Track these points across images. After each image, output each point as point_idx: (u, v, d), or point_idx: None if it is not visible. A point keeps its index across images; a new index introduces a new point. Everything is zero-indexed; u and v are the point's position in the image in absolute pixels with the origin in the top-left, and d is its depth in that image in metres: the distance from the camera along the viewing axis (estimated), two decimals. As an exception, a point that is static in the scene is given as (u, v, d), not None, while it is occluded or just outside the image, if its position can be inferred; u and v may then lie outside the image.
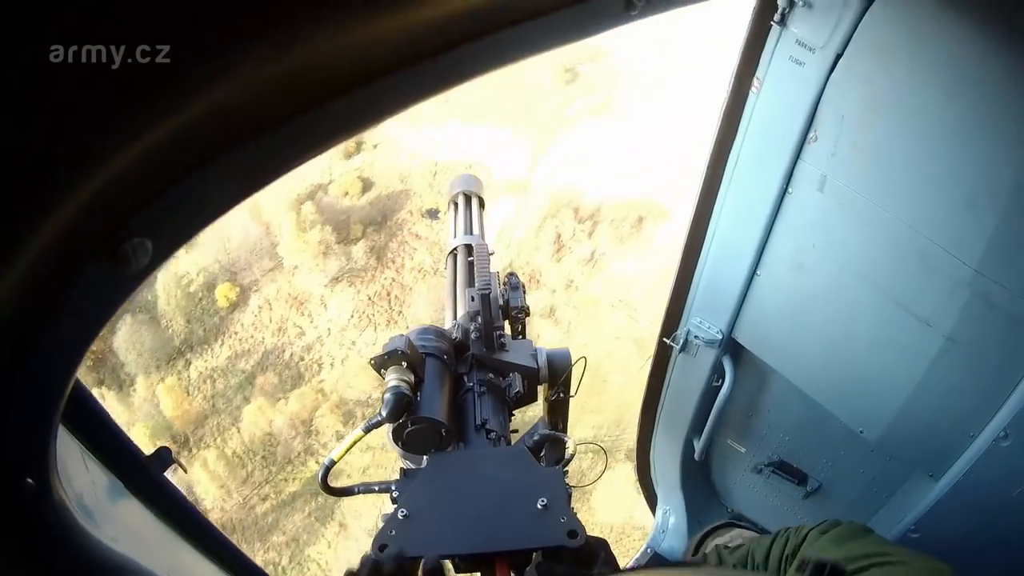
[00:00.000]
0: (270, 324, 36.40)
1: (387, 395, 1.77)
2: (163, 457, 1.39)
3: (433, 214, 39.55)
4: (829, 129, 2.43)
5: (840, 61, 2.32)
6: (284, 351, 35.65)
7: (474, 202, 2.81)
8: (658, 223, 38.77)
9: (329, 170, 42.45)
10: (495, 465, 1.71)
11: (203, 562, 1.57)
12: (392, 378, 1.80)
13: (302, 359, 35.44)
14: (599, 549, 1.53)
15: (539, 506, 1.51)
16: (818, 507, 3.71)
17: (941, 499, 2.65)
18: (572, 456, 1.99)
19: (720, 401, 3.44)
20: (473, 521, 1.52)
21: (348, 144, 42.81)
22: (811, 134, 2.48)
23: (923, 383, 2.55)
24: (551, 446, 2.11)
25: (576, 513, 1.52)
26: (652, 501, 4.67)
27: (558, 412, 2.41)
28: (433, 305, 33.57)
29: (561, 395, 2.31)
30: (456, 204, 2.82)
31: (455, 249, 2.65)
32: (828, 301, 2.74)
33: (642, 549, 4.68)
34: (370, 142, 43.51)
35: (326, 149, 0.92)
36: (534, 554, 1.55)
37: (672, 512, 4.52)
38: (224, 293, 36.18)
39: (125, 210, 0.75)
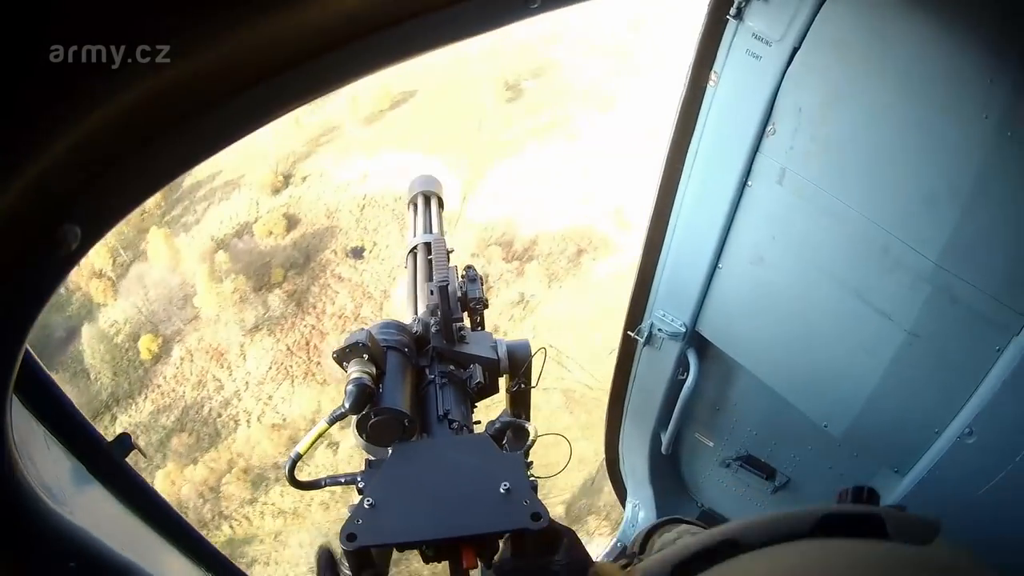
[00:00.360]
0: (191, 377, 35.63)
1: (349, 387, 1.78)
2: (124, 443, 1.41)
3: (358, 253, 38.96)
4: (787, 122, 2.44)
5: (797, 55, 2.33)
6: (203, 406, 34.85)
7: (433, 202, 2.82)
8: (598, 256, 38.11)
9: (256, 207, 41.17)
10: (458, 452, 1.73)
11: (164, 546, 1.59)
12: (354, 370, 1.81)
13: (219, 415, 34.62)
14: (563, 534, 1.53)
15: (502, 490, 1.52)
16: (786, 502, 3.72)
17: (907, 495, 2.64)
18: (534, 441, 2.00)
19: (685, 394, 3.44)
20: (438, 508, 1.53)
21: (276, 178, 41.60)
22: (769, 127, 2.49)
23: (886, 377, 2.55)
24: (514, 433, 2.13)
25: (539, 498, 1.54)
26: (622, 495, 4.67)
27: (520, 403, 2.42)
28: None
29: (522, 386, 2.33)
30: (416, 205, 2.83)
31: (415, 248, 2.67)
32: (789, 294, 2.75)
33: (611, 543, 4.70)
34: (299, 175, 42.67)
35: (239, 137, 0.97)
36: (501, 544, 1.57)
37: (641, 506, 4.52)
38: (147, 345, 35.68)
39: (55, 199, 0.79)
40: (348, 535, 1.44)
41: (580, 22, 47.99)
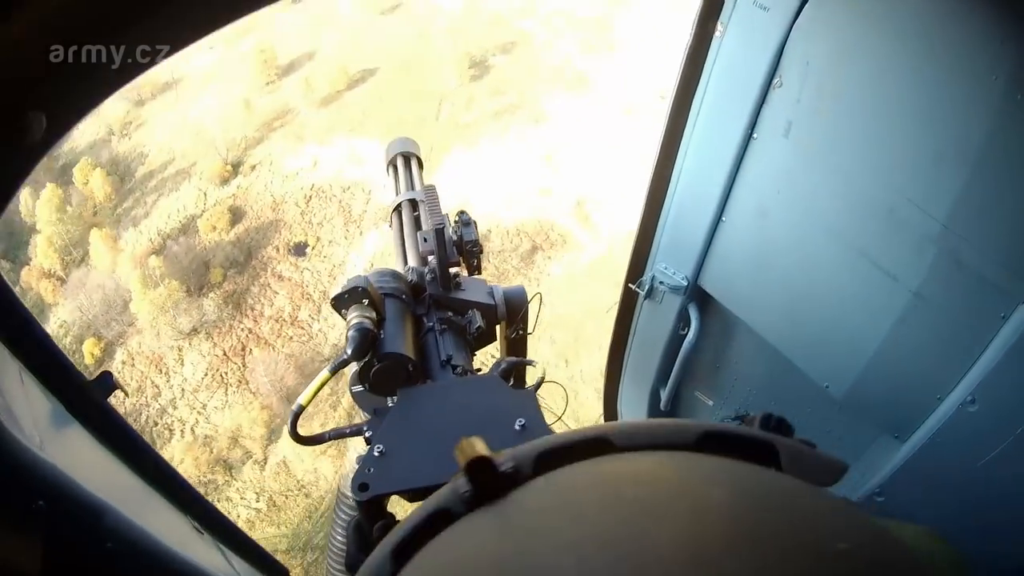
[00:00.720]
0: (131, 382, 35.10)
1: (351, 332, 1.74)
2: (105, 382, 1.39)
3: (300, 250, 37.81)
4: (794, 75, 2.41)
5: (805, 7, 2.29)
6: (141, 414, 34.33)
7: (413, 162, 2.81)
8: (554, 254, 36.98)
9: (204, 198, 39.42)
10: (467, 393, 1.70)
11: (144, 488, 1.55)
12: (355, 315, 1.78)
13: (156, 424, 34.05)
14: None
15: (517, 427, 1.49)
16: None
17: (906, 462, 2.61)
18: (543, 379, 1.98)
19: (685, 350, 3.40)
20: (451, 450, 1.35)
21: (224, 168, 40.11)
22: (776, 80, 2.45)
23: (889, 339, 2.52)
24: (518, 376, 2.13)
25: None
26: None
27: (517, 351, 2.43)
28: (270, 379, 32.37)
29: (520, 332, 2.33)
30: (395, 166, 2.82)
31: (399, 206, 2.64)
32: (792, 249, 2.71)
33: None
34: (249, 163, 41.11)
35: (210, 29, 0.93)
36: None
37: None
38: (90, 349, 35.38)
39: (19, 86, 0.76)
40: (360, 485, 1.41)
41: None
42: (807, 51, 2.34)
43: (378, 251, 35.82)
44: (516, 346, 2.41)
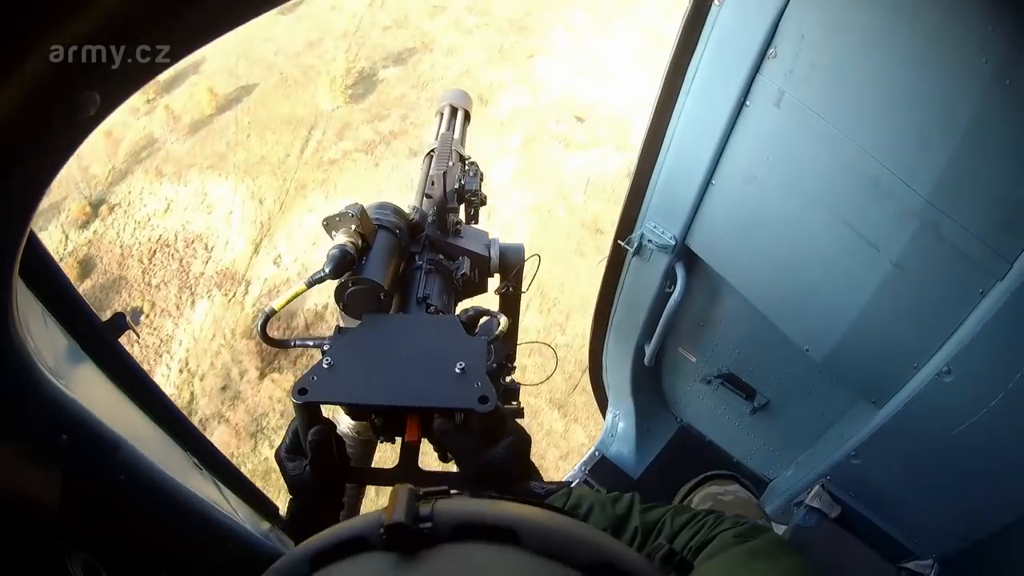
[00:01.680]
0: None
1: (331, 251, 1.83)
2: (118, 323, 1.46)
3: (136, 318, 31.83)
4: (789, 47, 2.45)
5: None
6: None
7: (460, 114, 2.86)
8: None
9: (65, 243, 33.98)
10: (424, 329, 1.77)
11: (153, 427, 1.62)
12: (339, 237, 1.87)
13: None
14: (509, 432, 1.56)
15: (457, 370, 1.55)
16: (764, 424, 3.83)
17: (883, 427, 2.69)
18: (502, 332, 2.01)
19: (671, 307, 3.45)
20: (391, 377, 1.57)
21: (84, 208, 34.69)
22: (771, 50, 2.49)
23: (869, 307, 2.58)
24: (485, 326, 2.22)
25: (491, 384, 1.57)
26: (603, 404, 4.72)
27: (508, 308, 2.47)
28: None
29: (511, 289, 2.37)
30: (443, 113, 2.86)
31: (431, 151, 2.67)
32: (779, 215, 2.76)
33: (590, 452, 4.75)
34: (111, 202, 35.39)
35: (254, 14, 0.98)
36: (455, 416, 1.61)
37: (621, 417, 4.57)
38: None
39: (79, 68, 0.82)
40: (300, 389, 1.49)
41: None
42: (802, 24, 2.38)
43: (207, 325, 31.68)
44: (507, 302, 2.45)
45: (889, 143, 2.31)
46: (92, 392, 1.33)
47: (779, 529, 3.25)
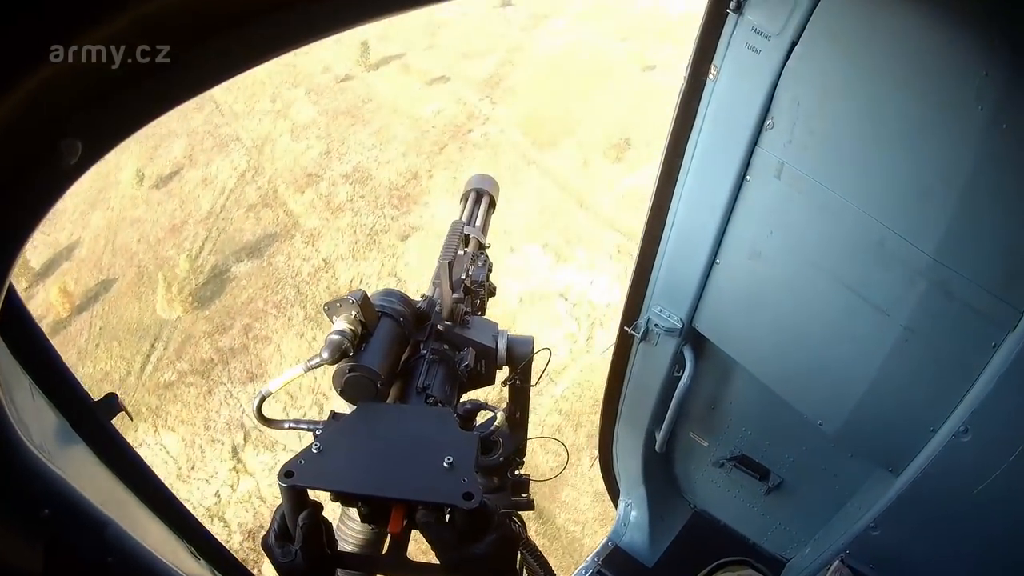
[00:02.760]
0: None
1: (329, 337, 1.85)
2: (111, 403, 1.41)
3: None
4: (785, 116, 2.46)
5: (795, 48, 2.35)
6: None
7: (484, 200, 2.85)
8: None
9: None
10: (416, 421, 1.77)
11: (148, 514, 1.56)
12: (339, 323, 1.87)
13: None
14: (493, 529, 1.55)
15: (445, 464, 1.54)
16: (780, 503, 3.75)
17: (901, 495, 2.61)
18: (497, 427, 2.07)
19: (680, 391, 3.41)
20: (379, 467, 1.58)
21: None
22: (768, 121, 2.50)
23: (881, 374, 2.53)
24: (510, 427, 2.22)
25: (478, 480, 1.58)
26: (614, 494, 4.61)
27: (516, 401, 2.44)
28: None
29: (518, 382, 2.35)
30: (467, 198, 2.86)
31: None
32: (785, 289, 2.74)
33: (603, 542, 4.62)
34: None
35: (250, 65, 0.98)
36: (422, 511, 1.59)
37: (634, 506, 4.46)
38: None
39: (59, 113, 0.81)
40: (286, 472, 1.48)
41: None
42: (797, 91, 2.39)
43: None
44: (517, 396, 2.42)
45: (891, 203, 2.31)
46: (80, 471, 1.28)
47: (800, 610, 3.14)
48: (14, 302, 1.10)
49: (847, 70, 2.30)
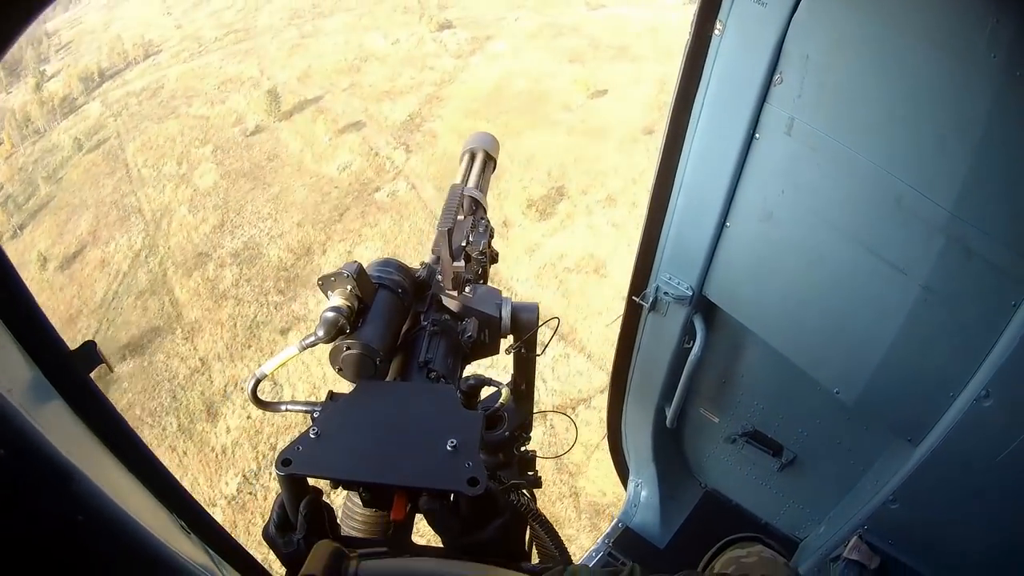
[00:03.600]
0: None
1: (324, 314, 1.78)
2: (89, 353, 1.34)
3: None
4: (794, 71, 2.39)
5: (802, 1, 2.29)
6: None
7: (479, 156, 2.70)
8: None
9: None
10: (419, 401, 1.70)
11: (128, 476, 1.45)
12: (334, 298, 1.80)
13: None
14: (501, 512, 1.52)
15: (448, 447, 1.49)
16: (794, 481, 3.70)
17: (921, 465, 2.55)
18: (502, 404, 2.02)
19: (691, 363, 3.32)
20: (380, 451, 1.51)
21: None
22: (776, 76, 2.44)
23: (900, 337, 2.46)
24: (516, 399, 2.15)
25: (483, 463, 1.51)
26: (624, 474, 4.52)
27: (521, 371, 2.38)
28: None
29: (523, 350, 2.28)
30: (464, 158, 2.73)
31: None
32: (799, 251, 2.67)
33: (612, 524, 4.53)
34: None
35: None
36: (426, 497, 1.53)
37: (644, 485, 4.38)
38: None
39: None
40: (284, 460, 1.43)
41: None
42: (806, 45, 2.33)
43: None
44: (521, 365, 2.36)
45: (907, 156, 2.24)
46: (50, 421, 1.15)
47: (815, 589, 3.08)
48: None
49: (856, 21, 2.24)
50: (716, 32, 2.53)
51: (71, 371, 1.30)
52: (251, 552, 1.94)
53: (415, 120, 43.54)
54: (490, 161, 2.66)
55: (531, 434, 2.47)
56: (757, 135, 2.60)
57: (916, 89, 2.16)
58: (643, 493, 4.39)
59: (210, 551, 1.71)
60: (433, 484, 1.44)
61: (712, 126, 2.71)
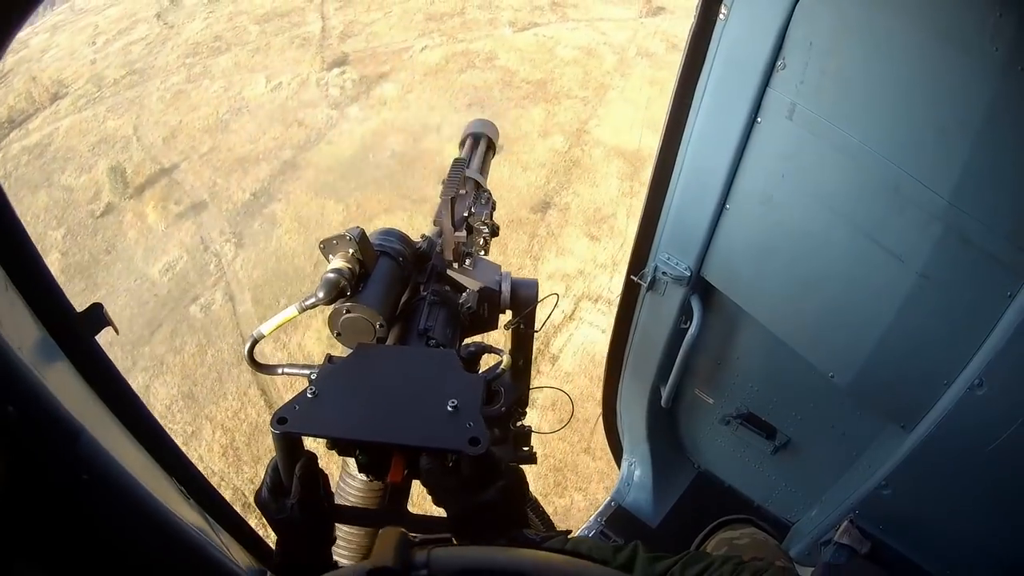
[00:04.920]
0: None
1: (325, 276, 1.78)
2: (95, 316, 1.35)
3: None
4: (797, 56, 2.40)
5: None
6: None
7: (483, 143, 2.74)
8: None
9: None
10: (418, 363, 1.69)
11: (130, 439, 1.46)
12: (335, 261, 1.81)
13: None
14: (503, 475, 1.49)
15: (449, 408, 1.47)
16: (787, 464, 3.73)
17: (913, 452, 2.56)
18: (504, 371, 1.98)
19: (687, 343, 3.35)
20: (378, 412, 1.49)
21: None
22: (779, 62, 2.45)
23: (896, 323, 2.48)
24: (513, 376, 2.15)
25: (484, 423, 1.49)
26: (617, 453, 4.55)
27: (519, 347, 2.39)
28: None
29: (522, 326, 2.30)
30: (466, 142, 2.76)
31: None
32: (797, 234, 2.69)
33: (605, 502, 4.56)
34: None
35: None
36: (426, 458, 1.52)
37: (638, 465, 4.41)
38: None
39: None
40: (279, 418, 1.41)
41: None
42: (809, 31, 2.34)
43: None
44: (519, 341, 2.37)
45: (907, 145, 2.25)
46: (58, 380, 1.17)
47: (805, 572, 3.13)
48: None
49: (859, 9, 2.25)
50: (721, 16, 2.54)
51: (77, 333, 1.31)
52: (247, 521, 1.96)
53: (259, 199, 35.31)
54: (491, 148, 2.69)
55: (527, 409, 2.50)
56: (759, 119, 2.62)
57: (917, 79, 2.17)
58: (637, 472, 4.43)
59: (208, 517, 1.71)
60: (433, 443, 1.43)
61: (714, 109, 2.73)
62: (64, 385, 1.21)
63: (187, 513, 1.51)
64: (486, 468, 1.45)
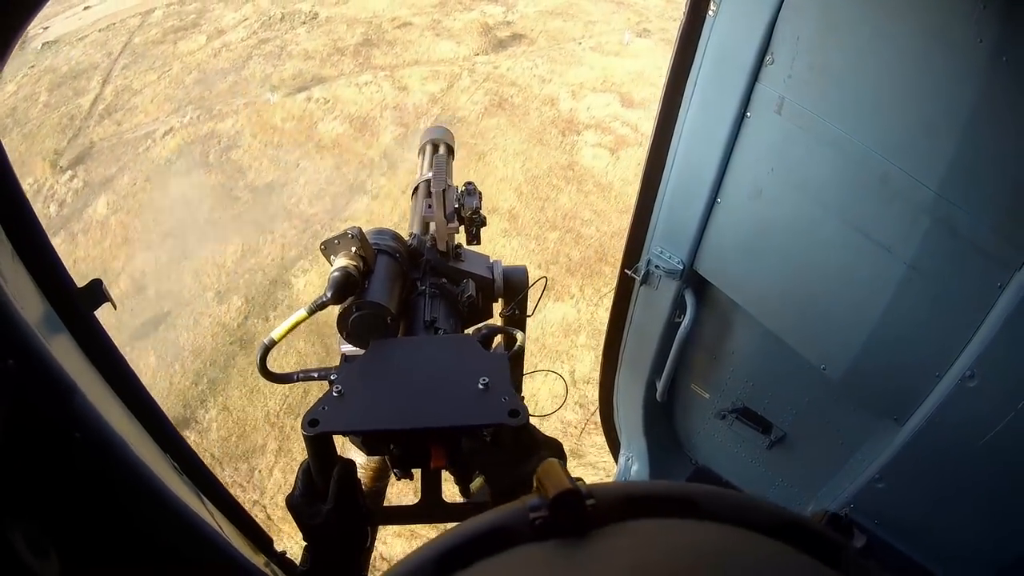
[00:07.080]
0: None
1: (333, 275, 1.76)
2: (95, 291, 1.35)
3: None
4: (785, 51, 2.43)
5: None
6: None
7: (442, 147, 2.79)
8: None
9: None
10: (438, 349, 1.70)
11: (125, 411, 1.46)
12: (340, 260, 1.80)
13: None
14: (543, 445, 1.47)
15: (480, 386, 1.48)
16: (783, 458, 3.73)
17: (906, 445, 2.57)
18: (521, 348, 1.99)
19: (681, 337, 3.37)
20: (409, 400, 1.48)
21: None
22: (768, 56, 2.49)
23: (886, 316, 2.49)
24: (506, 344, 2.15)
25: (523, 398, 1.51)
26: (615, 447, 4.56)
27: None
28: None
29: (516, 312, 2.32)
30: (424, 151, 2.80)
31: (418, 186, 2.64)
32: (787, 228, 2.71)
33: None
34: None
35: None
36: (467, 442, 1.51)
37: (635, 459, 4.41)
38: None
39: None
40: (310, 420, 1.39)
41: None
42: (797, 26, 2.37)
43: None
44: (513, 326, 2.36)
45: (894, 138, 2.27)
46: (56, 345, 1.17)
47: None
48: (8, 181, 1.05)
49: (847, 4, 2.27)
50: (710, 12, 2.58)
51: (77, 307, 1.33)
52: (240, 504, 1.93)
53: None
54: (450, 153, 2.73)
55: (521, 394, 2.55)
56: (748, 114, 2.65)
57: (904, 72, 2.19)
58: (633, 467, 4.43)
59: (199, 493, 1.70)
60: (474, 421, 1.41)
61: (705, 104, 2.77)
62: (63, 353, 1.22)
63: (178, 486, 1.51)
64: (526, 439, 1.45)
